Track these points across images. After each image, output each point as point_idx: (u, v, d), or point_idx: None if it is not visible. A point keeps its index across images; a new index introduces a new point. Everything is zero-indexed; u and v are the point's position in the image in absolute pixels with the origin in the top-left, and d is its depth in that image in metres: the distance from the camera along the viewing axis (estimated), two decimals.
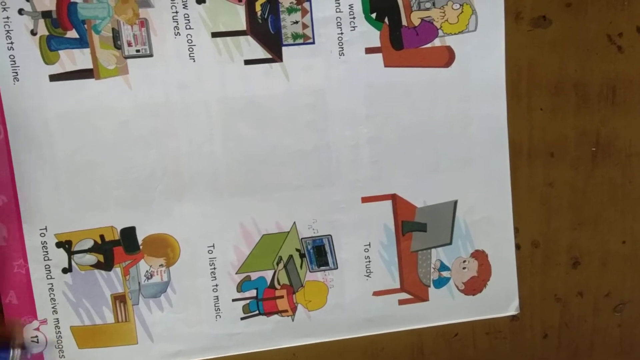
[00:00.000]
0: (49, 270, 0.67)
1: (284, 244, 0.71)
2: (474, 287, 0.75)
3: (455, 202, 0.73)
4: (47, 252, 0.67)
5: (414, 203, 0.72)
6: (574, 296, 0.78)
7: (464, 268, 0.74)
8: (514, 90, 0.71)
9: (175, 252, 0.69)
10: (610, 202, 0.76)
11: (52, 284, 0.68)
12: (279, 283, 0.72)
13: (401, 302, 0.74)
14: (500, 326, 0.77)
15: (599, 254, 0.77)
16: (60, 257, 0.67)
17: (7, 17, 0.63)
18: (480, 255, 0.74)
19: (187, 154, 0.67)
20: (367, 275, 0.73)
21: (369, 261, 0.73)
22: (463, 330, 0.77)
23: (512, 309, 0.76)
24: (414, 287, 0.74)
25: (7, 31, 0.63)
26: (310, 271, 0.72)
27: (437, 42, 0.69)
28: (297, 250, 0.71)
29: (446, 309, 0.75)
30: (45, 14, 0.64)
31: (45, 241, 0.67)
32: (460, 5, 0.68)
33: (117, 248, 0.68)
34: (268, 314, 0.72)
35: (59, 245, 0.67)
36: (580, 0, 0.71)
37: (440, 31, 0.69)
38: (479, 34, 0.69)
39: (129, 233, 0.68)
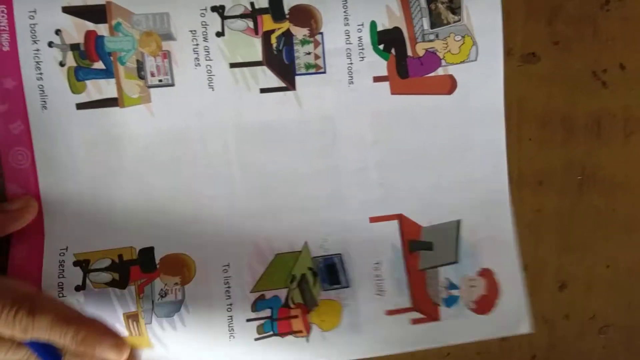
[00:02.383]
0: (61, 288, 0.67)
1: (297, 262, 0.71)
2: (484, 305, 0.74)
3: (459, 222, 0.73)
4: (62, 270, 0.67)
5: (419, 223, 0.73)
6: (561, 318, 0.80)
7: (472, 286, 0.73)
8: (505, 121, 0.73)
9: (190, 271, 0.69)
10: (595, 229, 0.79)
11: (63, 302, 0.67)
12: (293, 302, 0.71)
13: (414, 321, 0.72)
14: (490, 347, 0.79)
15: (584, 278, 0.80)
16: (75, 275, 0.67)
17: (37, 49, 0.66)
18: (487, 274, 0.74)
19: (205, 178, 0.70)
20: (379, 294, 0.72)
21: (380, 279, 0.72)
22: (455, 350, 0.79)
23: (525, 328, 0.74)
24: (425, 306, 0.73)
25: (37, 62, 0.66)
26: (323, 290, 0.71)
27: (440, 71, 0.72)
28: (310, 268, 0.71)
29: (458, 328, 0.73)
30: (74, 47, 0.67)
31: (63, 260, 0.68)
32: (462, 37, 0.71)
33: (133, 267, 0.69)
34: (282, 334, 0.71)
35: (76, 264, 0.68)
36: (567, 38, 0.76)
37: (443, 61, 0.71)
38: (479, 63, 0.71)
39: (147, 253, 0.69)
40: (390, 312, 0.72)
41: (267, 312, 0.70)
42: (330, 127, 0.71)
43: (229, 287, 0.70)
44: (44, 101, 0.67)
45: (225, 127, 0.70)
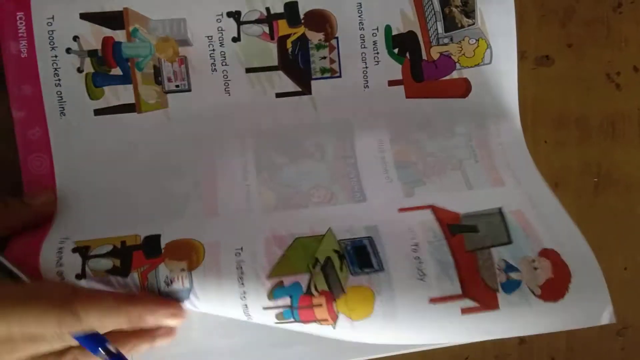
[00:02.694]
0: (62, 277, 0.61)
1: (320, 246, 0.63)
2: (554, 291, 0.62)
3: (500, 208, 0.67)
4: (60, 257, 0.61)
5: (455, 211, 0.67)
6: None
7: (535, 268, 0.63)
8: (520, 123, 0.74)
9: (199, 255, 0.62)
10: (612, 230, 0.79)
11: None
12: (316, 289, 0.61)
13: (464, 311, 0.61)
14: (509, 349, 0.79)
15: None
16: (74, 262, 0.61)
17: (55, 56, 0.67)
18: (551, 254, 0.64)
19: (221, 177, 0.69)
20: (421, 279, 0.61)
21: (420, 262, 0.62)
22: (473, 352, 0.79)
23: (606, 318, 0.62)
24: (479, 292, 0.61)
25: (55, 69, 0.67)
26: (352, 274, 0.61)
27: (454, 75, 0.72)
28: (336, 251, 0.62)
29: (521, 318, 0.62)
30: (91, 53, 0.67)
31: (62, 247, 0.61)
32: (476, 40, 0.72)
33: (136, 252, 0.62)
34: (305, 322, 0.61)
35: (75, 250, 0.61)
36: (580, 41, 0.76)
37: (457, 64, 0.72)
38: (493, 66, 0.72)
39: (152, 240, 0.63)
40: (435, 300, 0.61)
41: (286, 301, 0.61)
42: (347, 130, 0.72)
43: (242, 272, 0.61)
44: (62, 107, 0.68)
45: (242, 130, 0.70)
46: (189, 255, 0.62)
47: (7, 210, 0.65)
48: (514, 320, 0.62)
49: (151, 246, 0.62)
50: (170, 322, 0.60)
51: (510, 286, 0.62)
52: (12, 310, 0.54)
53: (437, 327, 0.61)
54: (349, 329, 0.61)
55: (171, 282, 0.61)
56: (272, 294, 0.60)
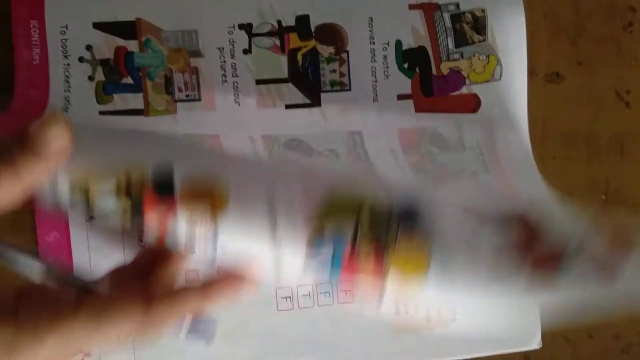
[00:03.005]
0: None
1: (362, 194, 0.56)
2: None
3: None
4: (58, 201, 0.50)
5: None
6: (584, 338, 0.80)
7: None
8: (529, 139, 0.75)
9: (222, 194, 0.52)
10: None
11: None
12: (363, 236, 0.54)
13: (528, 263, 0.56)
14: None
15: None
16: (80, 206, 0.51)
17: (68, 64, 0.67)
18: None
19: (234, 147, 0.67)
20: (473, 233, 0.57)
21: (464, 222, 0.58)
22: None
23: None
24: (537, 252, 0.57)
25: (67, 77, 0.67)
26: (401, 226, 0.55)
27: (464, 90, 0.72)
28: (379, 202, 0.56)
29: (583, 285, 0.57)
30: (103, 62, 0.68)
31: (55, 188, 0.50)
32: (487, 56, 0.72)
33: (147, 192, 0.52)
34: (348, 281, 0.54)
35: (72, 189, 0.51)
36: (590, 59, 0.76)
37: (467, 80, 0.72)
38: (503, 83, 0.72)
39: (163, 173, 0.53)
40: (494, 251, 0.56)
41: (328, 250, 0.53)
42: (358, 141, 0.71)
43: (275, 216, 0.53)
44: (67, 108, 0.67)
45: (253, 136, 0.70)
46: (210, 194, 0.53)
47: (18, 175, 0.44)
48: (577, 281, 0.56)
49: (163, 183, 0.52)
50: (248, 290, 0.52)
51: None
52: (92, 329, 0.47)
53: (500, 286, 0.55)
54: (399, 295, 0.54)
55: (193, 229, 0.52)
56: (312, 242, 0.53)
